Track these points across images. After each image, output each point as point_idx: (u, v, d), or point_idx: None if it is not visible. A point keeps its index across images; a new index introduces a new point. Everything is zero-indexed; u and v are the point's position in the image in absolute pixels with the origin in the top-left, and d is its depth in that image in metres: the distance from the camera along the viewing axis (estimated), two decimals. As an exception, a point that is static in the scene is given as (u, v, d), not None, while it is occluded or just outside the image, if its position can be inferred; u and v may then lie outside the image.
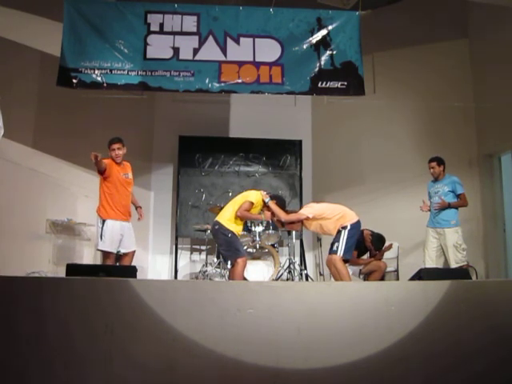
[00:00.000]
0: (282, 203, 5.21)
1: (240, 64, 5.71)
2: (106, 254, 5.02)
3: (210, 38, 5.73)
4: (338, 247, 4.83)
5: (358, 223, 4.98)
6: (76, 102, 6.11)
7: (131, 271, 3.75)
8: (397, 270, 6.16)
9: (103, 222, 4.98)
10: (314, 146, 7.79)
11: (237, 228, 5.07)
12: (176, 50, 5.67)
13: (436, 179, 5.68)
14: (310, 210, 5.06)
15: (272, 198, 5.18)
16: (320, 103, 7.36)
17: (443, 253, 5.55)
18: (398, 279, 5.97)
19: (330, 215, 4.95)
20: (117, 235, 4.99)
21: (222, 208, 6.28)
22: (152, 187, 7.61)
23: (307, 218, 4.99)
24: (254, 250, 6.45)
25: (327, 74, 5.77)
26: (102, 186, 5.05)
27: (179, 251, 7.25)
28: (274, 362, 3.02)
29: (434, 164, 5.63)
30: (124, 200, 5.09)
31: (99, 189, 5.07)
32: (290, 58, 5.77)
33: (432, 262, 5.52)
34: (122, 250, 5.09)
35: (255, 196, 5.17)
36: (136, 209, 5.37)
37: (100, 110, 6.60)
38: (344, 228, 4.88)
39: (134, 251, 5.18)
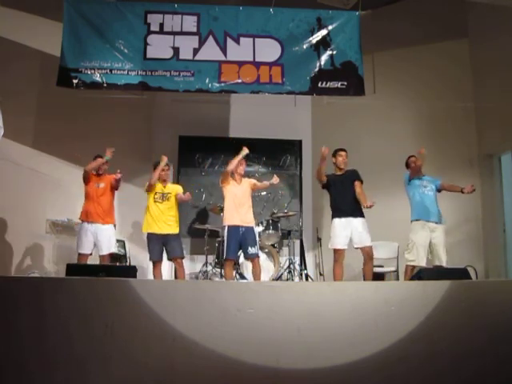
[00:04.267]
0: None
1: (240, 64, 5.70)
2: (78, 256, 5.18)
3: (210, 37, 5.72)
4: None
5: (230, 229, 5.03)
6: (76, 102, 6.10)
7: (131, 271, 3.76)
8: (397, 270, 6.15)
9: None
10: (314, 146, 7.76)
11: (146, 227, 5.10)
12: (176, 50, 5.67)
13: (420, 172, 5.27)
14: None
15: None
16: (320, 103, 7.33)
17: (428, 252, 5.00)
18: (397, 279, 5.97)
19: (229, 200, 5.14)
20: (87, 236, 5.12)
21: (222, 208, 6.28)
22: (152, 187, 7.59)
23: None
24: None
25: (327, 74, 5.78)
26: None
27: (179, 251, 7.24)
28: (274, 361, 3.02)
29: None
30: (92, 207, 5.20)
31: None
32: (290, 58, 5.77)
33: (423, 262, 4.89)
34: (100, 253, 5.17)
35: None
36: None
37: (100, 110, 6.58)
38: (224, 227, 5.06)
39: (108, 254, 5.20)
